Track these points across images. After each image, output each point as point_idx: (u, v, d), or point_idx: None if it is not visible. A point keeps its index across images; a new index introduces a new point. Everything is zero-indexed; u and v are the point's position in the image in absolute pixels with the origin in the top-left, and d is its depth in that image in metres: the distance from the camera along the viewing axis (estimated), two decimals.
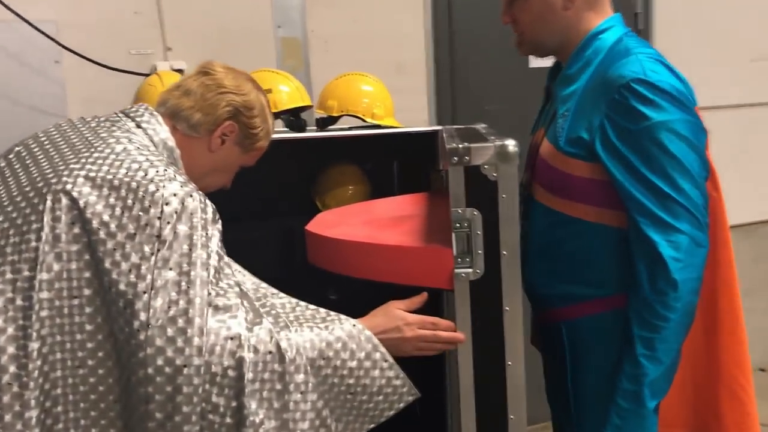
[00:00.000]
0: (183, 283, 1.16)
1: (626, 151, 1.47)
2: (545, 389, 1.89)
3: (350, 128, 2.40)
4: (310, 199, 2.49)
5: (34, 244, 1.17)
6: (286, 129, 2.30)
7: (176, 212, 1.20)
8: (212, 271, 1.21)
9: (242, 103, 1.45)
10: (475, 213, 1.34)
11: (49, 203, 1.19)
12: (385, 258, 1.45)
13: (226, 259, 1.31)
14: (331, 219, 1.85)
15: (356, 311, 2.39)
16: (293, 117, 2.28)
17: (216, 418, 1.16)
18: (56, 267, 1.17)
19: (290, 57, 2.80)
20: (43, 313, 1.15)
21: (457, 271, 1.36)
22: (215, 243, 1.25)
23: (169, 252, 1.17)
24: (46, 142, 1.36)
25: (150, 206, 1.19)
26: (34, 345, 1.14)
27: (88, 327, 1.17)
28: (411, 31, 2.99)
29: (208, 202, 1.29)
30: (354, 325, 1.34)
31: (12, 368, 1.12)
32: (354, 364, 1.30)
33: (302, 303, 1.40)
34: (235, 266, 1.39)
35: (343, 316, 1.37)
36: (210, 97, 1.42)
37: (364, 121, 2.36)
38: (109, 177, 1.22)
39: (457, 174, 1.34)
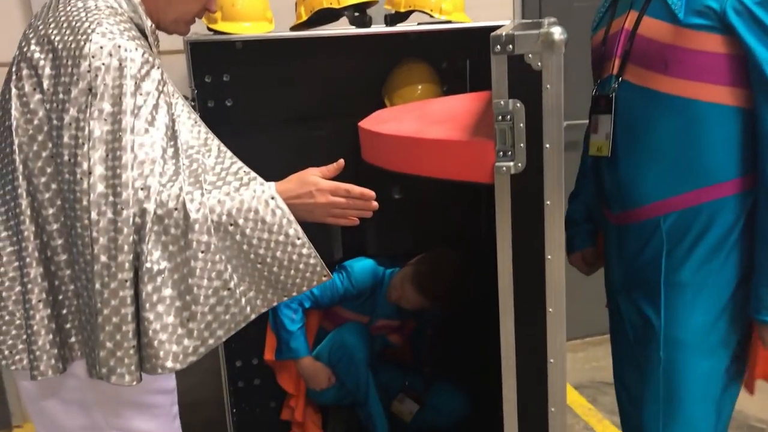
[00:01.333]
0: (117, 134, 1.22)
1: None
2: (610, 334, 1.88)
3: (419, 24, 2.35)
4: (380, 98, 2.48)
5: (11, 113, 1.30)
6: (351, 26, 2.28)
7: (104, 64, 1.23)
8: (143, 120, 1.25)
9: None
10: (518, 105, 1.30)
11: (14, 72, 1.31)
12: (427, 152, 1.45)
13: (175, 104, 1.35)
14: (385, 116, 1.85)
15: (418, 212, 2.43)
16: (358, 12, 2.25)
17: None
18: (30, 130, 1.28)
19: None
20: (24, 171, 1.29)
21: (498, 164, 1.34)
22: (149, 87, 1.27)
23: (101, 103, 1.22)
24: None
25: (80, 61, 1.23)
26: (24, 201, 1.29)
27: (53, 186, 1.29)
28: None
29: (138, 50, 1.28)
30: (267, 191, 1.33)
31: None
32: (266, 236, 1.30)
33: (234, 164, 1.41)
34: (192, 117, 1.42)
35: (259, 179, 1.37)
36: None
37: (431, 16, 2.30)
38: (51, 37, 1.28)
39: (500, 64, 1.30)
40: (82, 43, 1.24)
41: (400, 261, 2.42)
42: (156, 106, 1.27)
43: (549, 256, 1.34)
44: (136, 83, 1.25)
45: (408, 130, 1.56)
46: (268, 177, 1.39)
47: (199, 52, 2.16)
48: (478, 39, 2.40)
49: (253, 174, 1.38)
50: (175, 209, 1.24)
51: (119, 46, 1.24)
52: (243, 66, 2.36)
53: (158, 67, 1.30)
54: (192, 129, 1.38)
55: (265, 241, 1.30)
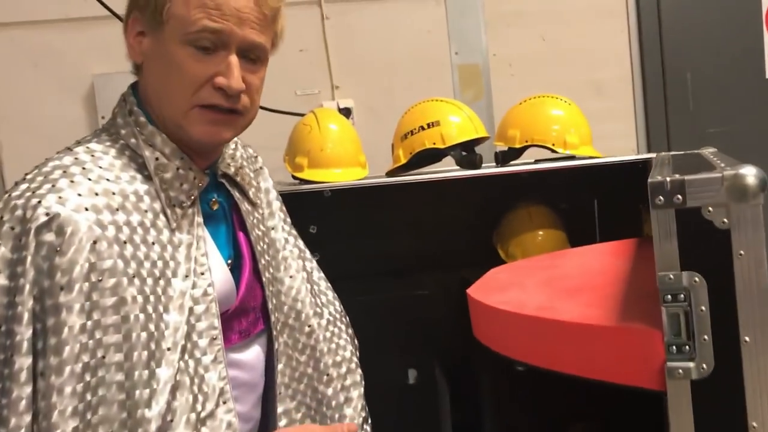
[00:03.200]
0: None
1: None
2: None
3: (537, 161, 2.01)
4: (492, 247, 2.12)
5: None
6: (456, 167, 1.96)
7: None
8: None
9: None
10: (697, 279, 0.90)
11: None
12: (563, 340, 1.05)
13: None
14: (502, 278, 1.47)
15: (548, 390, 1.99)
16: (465, 152, 1.94)
17: None
18: None
19: (469, 86, 2.48)
20: None
21: (670, 365, 0.92)
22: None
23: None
24: None
25: None
26: None
27: None
28: (612, 44, 2.53)
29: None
30: None
31: None
32: None
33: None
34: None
35: None
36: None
37: (555, 151, 1.95)
38: None
39: (666, 221, 0.91)
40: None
41: None
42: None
43: None
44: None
45: (534, 305, 1.17)
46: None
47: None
48: (608, 175, 2.06)
49: None
50: None
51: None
52: (332, 216, 2.09)
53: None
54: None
55: None
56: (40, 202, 0.88)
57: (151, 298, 0.95)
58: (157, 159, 1.03)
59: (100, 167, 0.97)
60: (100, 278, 0.89)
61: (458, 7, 2.47)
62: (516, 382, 1.94)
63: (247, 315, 1.15)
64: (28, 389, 0.84)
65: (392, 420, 1.93)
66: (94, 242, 0.89)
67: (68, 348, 0.86)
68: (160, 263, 0.98)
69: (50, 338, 0.85)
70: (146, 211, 0.99)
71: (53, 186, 0.90)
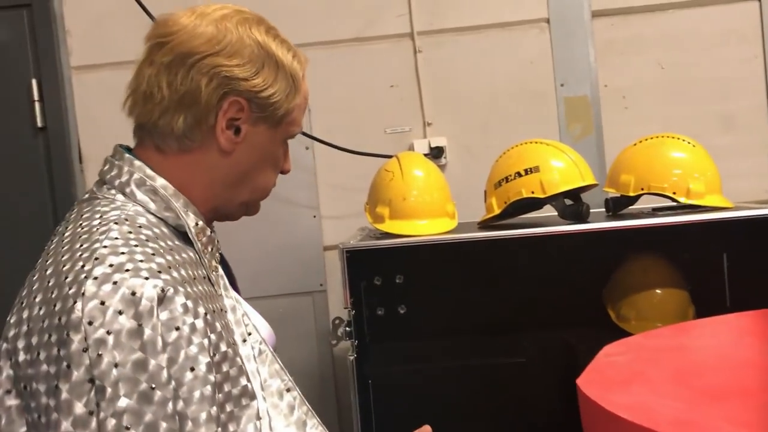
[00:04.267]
0: None
1: None
2: None
3: (655, 210, 1.75)
4: (601, 305, 1.86)
5: None
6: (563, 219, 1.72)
7: (109, 333, 0.72)
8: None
9: (229, 59, 0.89)
10: None
11: None
12: None
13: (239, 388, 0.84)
14: (620, 363, 1.22)
15: None
16: (571, 201, 1.70)
17: None
18: None
19: (576, 119, 2.23)
20: None
21: None
22: (204, 366, 0.76)
23: (113, 404, 0.71)
24: None
25: (68, 331, 0.72)
26: None
27: None
28: (743, 70, 2.22)
29: (179, 291, 0.77)
30: None
31: None
32: None
33: None
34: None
35: None
36: (181, 80, 0.88)
37: (675, 201, 1.68)
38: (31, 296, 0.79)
39: None
40: (71, 300, 0.74)
41: None
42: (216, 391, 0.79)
43: None
44: (186, 353, 0.77)
45: (668, 417, 0.92)
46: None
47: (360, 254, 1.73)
48: (741, 228, 1.76)
49: None
50: None
51: (133, 294, 0.74)
52: (422, 265, 1.90)
53: (206, 314, 0.80)
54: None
55: None
56: None
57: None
58: (196, 224, 0.90)
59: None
60: None
61: (564, 34, 2.23)
62: None
63: None
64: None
65: None
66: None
67: None
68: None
69: None
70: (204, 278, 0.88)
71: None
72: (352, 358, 1.66)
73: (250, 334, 0.93)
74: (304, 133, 2.14)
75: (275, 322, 1.12)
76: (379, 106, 2.24)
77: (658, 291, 1.81)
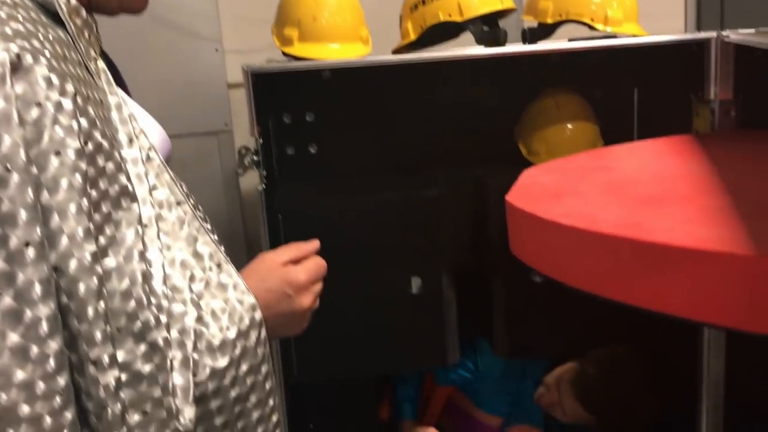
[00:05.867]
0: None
1: None
2: None
3: (571, 41, 1.71)
4: (511, 141, 1.85)
5: None
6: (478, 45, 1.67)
7: None
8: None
9: None
10: None
11: None
12: (665, 269, 0.79)
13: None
14: (547, 183, 1.21)
15: (569, 307, 1.76)
16: (488, 26, 1.63)
17: None
18: None
19: None
20: None
21: None
22: (73, 152, 0.67)
23: None
24: None
25: None
26: None
27: None
28: None
29: (41, 62, 0.66)
30: None
31: None
32: None
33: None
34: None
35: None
36: None
37: (593, 28, 1.65)
38: None
39: None
40: None
41: None
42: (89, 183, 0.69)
43: None
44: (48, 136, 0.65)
45: (611, 221, 0.91)
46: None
47: (268, 84, 1.63)
48: (653, 58, 1.76)
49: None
50: None
51: None
52: (332, 102, 1.83)
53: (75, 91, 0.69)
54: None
55: None
56: None
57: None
58: (68, 1, 0.77)
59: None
60: None
61: None
62: (532, 295, 1.73)
63: None
64: None
65: (393, 331, 1.75)
66: None
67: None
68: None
69: None
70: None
71: None
72: (261, 188, 1.59)
73: (138, 137, 0.81)
74: None
75: (178, 164, 1.02)
76: None
77: (569, 126, 1.80)
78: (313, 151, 1.87)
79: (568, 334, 1.80)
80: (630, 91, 1.90)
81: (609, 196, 1.08)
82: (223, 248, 0.88)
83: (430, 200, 1.73)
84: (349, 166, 1.86)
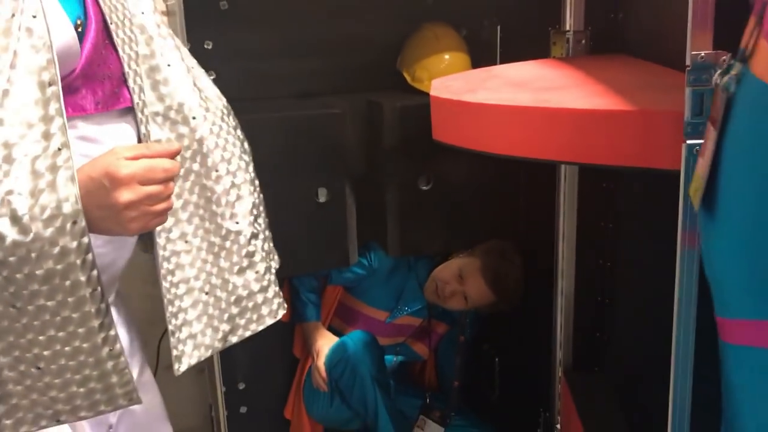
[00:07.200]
0: None
1: None
2: None
3: None
4: (395, 70, 2.08)
5: None
6: None
7: None
8: None
9: None
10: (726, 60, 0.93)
11: None
12: (574, 129, 1.06)
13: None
14: (457, 84, 1.44)
15: (449, 205, 2.04)
16: None
17: None
18: None
19: None
20: None
21: (689, 142, 0.96)
22: None
23: None
24: None
25: None
26: None
27: None
28: None
29: None
30: None
31: None
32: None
33: None
34: None
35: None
36: None
37: None
38: None
39: None
40: None
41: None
42: None
43: None
44: None
45: (527, 100, 1.16)
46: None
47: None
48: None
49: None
50: None
51: None
52: (230, 31, 1.95)
53: None
54: None
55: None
56: None
57: None
58: None
59: None
60: None
61: None
62: (421, 199, 1.98)
63: (102, 83, 1.02)
64: None
65: (304, 236, 1.91)
66: None
67: None
68: None
69: None
70: None
71: None
72: None
73: (34, 17, 0.88)
74: None
75: None
76: None
77: (446, 55, 2.06)
78: (212, 78, 1.95)
79: (448, 233, 2.08)
80: (493, 29, 2.19)
81: (514, 88, 1.33)
82: None
83: (334, 117, 1.91)
84: (249, 92, 1.97)
